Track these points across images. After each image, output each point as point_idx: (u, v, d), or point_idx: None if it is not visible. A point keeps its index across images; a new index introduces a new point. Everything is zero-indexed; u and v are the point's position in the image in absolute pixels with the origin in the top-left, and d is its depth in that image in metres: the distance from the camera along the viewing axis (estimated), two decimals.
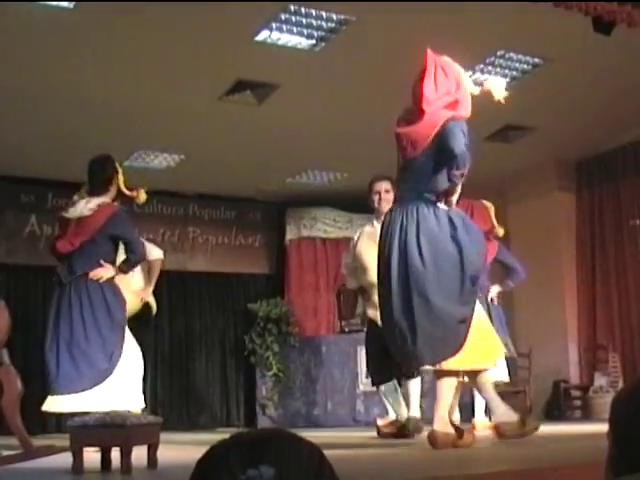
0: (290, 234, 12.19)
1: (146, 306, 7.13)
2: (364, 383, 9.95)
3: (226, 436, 1.22)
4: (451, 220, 4.85)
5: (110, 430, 3.99)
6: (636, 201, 10.35)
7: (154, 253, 7.16)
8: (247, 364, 11.44)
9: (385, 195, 6.69)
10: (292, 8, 6.79)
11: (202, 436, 8.42)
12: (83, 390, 5.85)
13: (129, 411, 4.72)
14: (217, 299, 11.88)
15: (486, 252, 5.35)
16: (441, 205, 4.89)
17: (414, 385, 6.73)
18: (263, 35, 7.12)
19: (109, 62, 7.47)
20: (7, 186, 10.47)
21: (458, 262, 4.73)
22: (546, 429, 7.00)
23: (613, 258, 10.58)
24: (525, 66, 8.01)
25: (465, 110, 5.21)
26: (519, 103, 8.74)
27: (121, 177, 6.72)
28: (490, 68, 8.03)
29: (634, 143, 10.20)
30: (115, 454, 3.97)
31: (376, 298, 5.20)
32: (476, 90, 5.40)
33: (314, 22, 7.02)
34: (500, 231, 7.17)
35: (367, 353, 7.12)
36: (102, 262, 6.16)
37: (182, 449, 6.06)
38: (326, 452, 1.23)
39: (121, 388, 5.97)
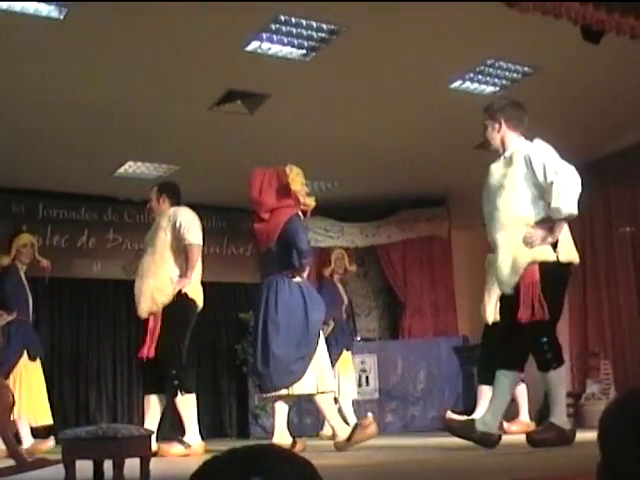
0: None
1: (186, 299, 6.87)
2: (357, 392, 9.95)
3: (219, 447, 1.23)
4: (302, 291, 6.49)
5: (102, 442, 3.97)
6: (626, 208, 10.37)
7: (190, 237, 6.86)
8: (239, 373, 11.45)
9: (490, 131, 5.71)
10: (282, 18, 6.80)
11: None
12: None
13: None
14: (208, 309, 11.70)
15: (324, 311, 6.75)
16: (295, 279, 6.50)
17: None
18: (253, 45, 7.12)
19: (100, 72, 7.47)
20: None
21: (303, 319, 6.41)
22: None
23: (604, 265, 10.59)
24: (515, 75, 8.03)
25: (300, 207, 6.77)
26: None
27: (15, 246, 8.34)
28: (480, 77, 8.06)
29: (624, 150, 10.22)
30: (107, 466, 3.96)
31: None
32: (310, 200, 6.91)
33: (304, 32, 7.03)
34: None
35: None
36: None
37: (175, 460, 6.05)
38: (318, 462, 1.23)
39: None
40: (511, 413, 8.18)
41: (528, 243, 5.19)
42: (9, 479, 4.40)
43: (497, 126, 5.56)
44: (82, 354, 10.99)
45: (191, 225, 6.85)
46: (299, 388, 6.37)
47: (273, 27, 6.88)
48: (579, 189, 5.20)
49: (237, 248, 12.14)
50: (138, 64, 7.37)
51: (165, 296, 6.70)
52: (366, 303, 12.85)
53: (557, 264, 5.26)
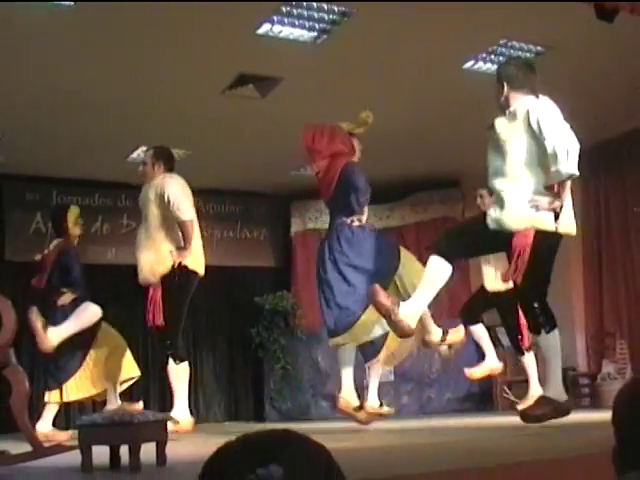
0: (295, 227, 12.19)
1: (187, 270, 6.90)
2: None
3: (235, 430, 1.22)
4: (365, 233, 6.59)
5: (118, 428, 3.99)
6: None
7: (181, 214, 6.85)
8: (255, 358, 11.46)
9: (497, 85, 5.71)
10: (293, 2, 6.78)
11: (211, 431, 8.42)
12: None
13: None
14: (223, 293, 11.87)
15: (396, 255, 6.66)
16: (354, 224, 6.57)
17: None
18: (265, 28, 7.10)
19: (111, 58, 7.47)
20: (12, 184, 10.50)
21: (375, 261, 6.40)
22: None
23: (619, 245, 10.55)
24: (527, 54, 7.98)
25: (355, 154, 7.01)
26: None
27: (70, 220, 7.86)
28: (493, 57, 8.01)
29: (639, 129, 10.17)
30: (124, 451, 3.98)
31: None
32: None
33: (316, 14, 7.01)
34: None
35: None
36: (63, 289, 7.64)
37: (191, 444, 6.07)
38: (335, 445, 1.23)
39: None
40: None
41: (535, 206, 5.08)
42: (26, 465, 4.42)
43: (500, 87, 5.49)
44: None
45: (180, 201, 6.81)
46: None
47: (284, 10, 6.86)
48: (577, 147, 5.10)
49: (251, 232, 12.14)
50: (149, 50, 7.36)
51: (165, 267, 6.81)
52: None
53: (554, 234, 5.18)
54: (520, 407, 7.60)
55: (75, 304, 7.56)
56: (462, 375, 10.56)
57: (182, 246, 6.80)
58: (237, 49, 7.45)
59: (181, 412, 6.80)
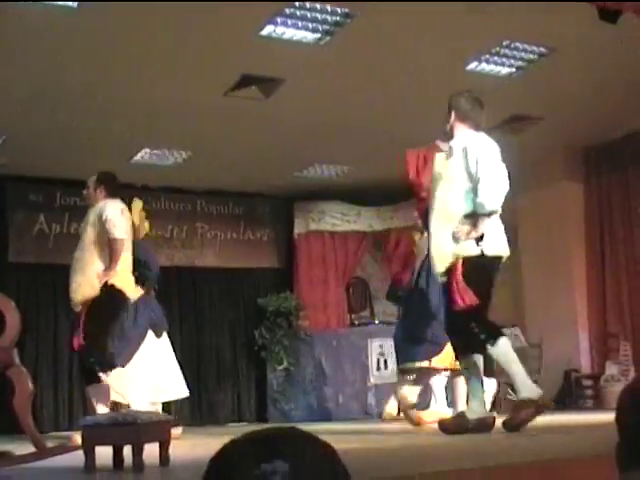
0: (298, 228, 12.19)
1: (113, 290, 6.86)
2: (375, 376, 9.97)
3: (238, 431, 1.23)
4: None
5: (122, 428, 4.00)
6: None
7: (114, 232, 6.85)
8: (258, 359, 11.46)
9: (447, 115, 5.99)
10: (297, 2, 6.78)
11: (214, 432, 8.43)
12: None
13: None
14: (227, 294, 11.88)
15: None
16: None
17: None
18: (268, 30, 7.11)
19: (115, 60, 7.47)
20: (16, 185, 10.50)
21: None
22: (558, 419, 7.01)
23: (622, 246, 10.55)
24: (531, 56, 7.98)
25: None
26: (525, 93, 8.74)
27: (135, 213, 7.38)
28: (496, 58, 8.01)
29: None
30: (127, 452, 3.98)
31: None
32: None
33: (319, 16, 7.01)
34: None
35: None
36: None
37: (194, 445, 6.07)
38: (338, 446, 1.23)
39: None
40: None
41: (455, 239, 5.41)
42: (30, 465, 4.43)
43: (448, 116, 5.71)
44: None
45: (117, 219, 6.83)
46: None
47: (287, 11, 6.86)
48: (505, 188, 5.40)
49: (254, 233, 12.14)
50: (153, 51, 7.36)
51: (92, 290, 6.76)
52: (384, 287, 12.83)
53: (481, 257, 5.41)
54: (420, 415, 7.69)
55: (147, 300, 7.39)
56: None
57: (108, 266, 6.81)
58: (240, 50, 7.46)
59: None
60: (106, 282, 6.78)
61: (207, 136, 9.58)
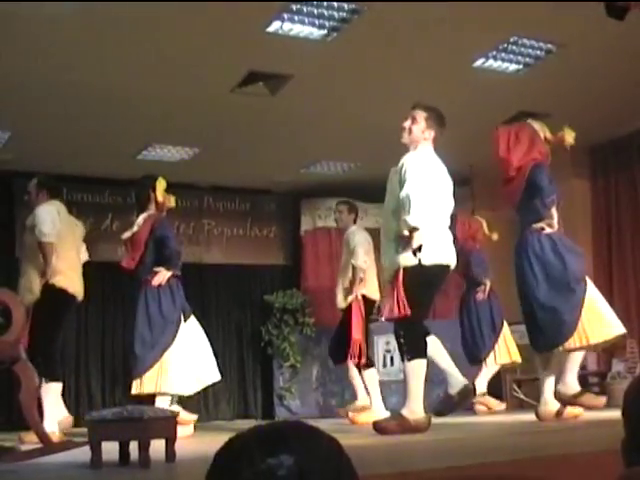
0: (305, 225, 12.19)
1: (53, 289, 6.93)
2: (381, 372, 9.95)
3: (244, 427, 1.23)
4: (553, 242, 6.47)
5: (128, 424, 4.00)
6: None
7: (40, 235, 6.92)
8: (264, 355, 11.47)
9: (410, 124, 6.13)
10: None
11: (220, 428, 8.44)
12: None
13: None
14: (233, 291, 11.89)
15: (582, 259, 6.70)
16: (544, 232, 6.47)
17: None
18: (275, 26, 7.09)
19: (121, 57, 7.47)
20: (22, 182, 10.48)
21: (562, 270, 6.36)
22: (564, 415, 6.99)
23: (630, 244, 10.53)
24: (538, 52, 7.96)
25: (548, 160, 6.83)
26: (532, 90, 8.72)
27: (160, 191, 7.27)
28: (503, 55, 7.99)
29: None
30: (133, 447, 3.99)
31: None
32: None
33: (326, 12, 6.99)
34: (494, 236, 9.67)
35: None
36: (155, 269, 7.04)
37: (200, 441, 6.08)
38: (342, 441, 1.23)
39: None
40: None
41: (398, 249, 5.73)
42: (36, 461, 4.44)
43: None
44: (108, 337, 11.05)
45: (43, 222, 6.91)
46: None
47: (294, 7, 6.85)
48: (425, 206, 5.65)
49: (261, 230, 12.14)
50: (160, 47, 7.36)
51: (31, 294, 6.86)
52: None
53: (419, 267, 5.65)
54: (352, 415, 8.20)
55: (172, 285, 7.20)
56: (470, 374, 10.58)
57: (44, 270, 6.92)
58: (247, 47, 7.45)
59: (50, 425, 6.46)
60: (46, 282, 6.87)
61: (214, 133, 9.58)
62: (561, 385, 6.37)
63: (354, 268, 8.36)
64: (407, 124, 5.96)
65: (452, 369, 6.01)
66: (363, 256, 8.32)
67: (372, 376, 8.23)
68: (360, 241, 8.43)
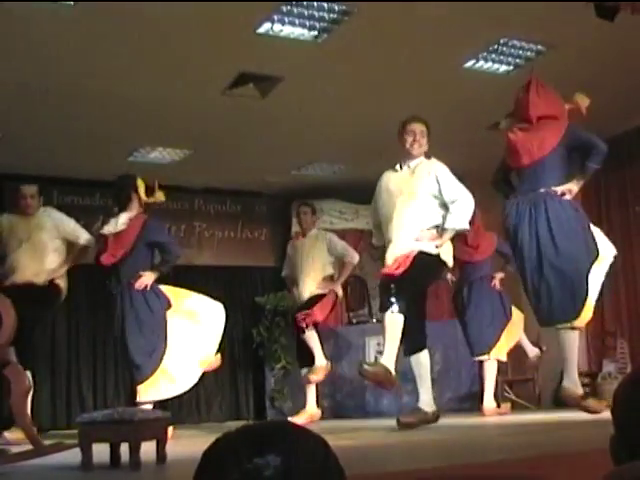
0: (296, 227, 12.17)
1: (54, 286, 7.57)
2: None
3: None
4: (574, 207, 6.22)
5: (118, 426, 4.00)
6: None
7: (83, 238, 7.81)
8: (255, 357, 11.47)
9: (420, 138, 6.49)
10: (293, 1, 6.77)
11: (211, 430, 8.43)
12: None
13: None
14: (224, 293, 11.83)
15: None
16: (565, 197, 6.15)
17: None
18: (265, 27, 7.09)
19: (112, 58, 7.46)
20: (13, 184, 10.46)
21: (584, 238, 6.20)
22: (555, 416, 7.02)
23: (620, 244, 10.48)
24: (528, 53, 7.97)
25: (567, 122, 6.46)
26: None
27: (141, 190, 7.28)
28: (493, 56, 8.01)
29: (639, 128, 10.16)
30: (124, 449, 3.98)
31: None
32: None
33: (316, 13, 6.99)
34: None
35: None
36: (141, 272, 7.01)
37: (191, 443, 6.08)
38: (332, 442, 1.23)
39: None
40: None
41: (418, 239, 6.12)
42: (27, 463, 4.43)
43: (428, 138, 6.61)
44: (99, 339, 11.02)
45: (79, 228, 7.98)
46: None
47: (284, 9, 6.85)
48: (473, 209, 6.34)
49: (252, 232, 12.15)
50: (150, 49, 7.35)
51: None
52: None
53: (436, 257, 6.15)
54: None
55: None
56: (463, 375, 10.59)
57: None
58: (237, 48, 7.45)
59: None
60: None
61: (204, 134, 9.58)
62: (567, 381, 6.37)
63: (345, 264, 8.85)
64: (418, 137, 6.47)
65: (427, 391, 6.34)
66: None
67: (312, 336, 8.66)
68: (338, 240, 9.01)
